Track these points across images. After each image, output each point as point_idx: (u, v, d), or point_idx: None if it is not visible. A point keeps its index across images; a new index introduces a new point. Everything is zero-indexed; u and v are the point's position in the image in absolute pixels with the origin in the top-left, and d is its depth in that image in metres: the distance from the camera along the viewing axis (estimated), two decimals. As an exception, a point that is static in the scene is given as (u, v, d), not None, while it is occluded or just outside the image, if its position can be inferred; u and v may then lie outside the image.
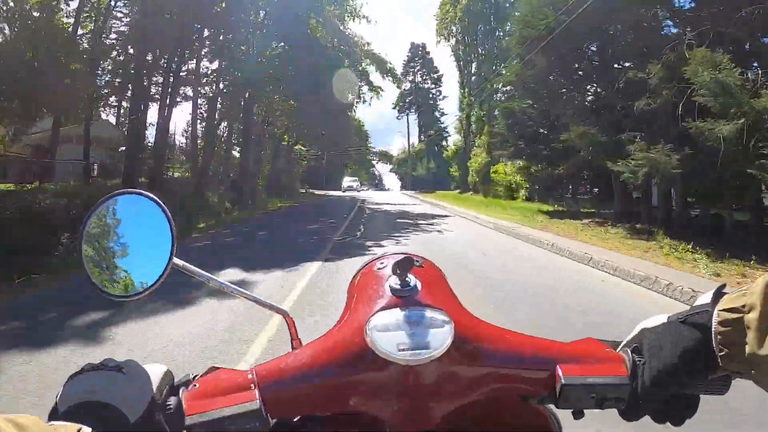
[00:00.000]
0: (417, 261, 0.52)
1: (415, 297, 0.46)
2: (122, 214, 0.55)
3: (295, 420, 0.49)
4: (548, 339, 0.47)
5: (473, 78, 30.67)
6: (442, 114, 58.63)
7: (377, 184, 78.52)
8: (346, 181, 43.37)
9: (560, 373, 0.43)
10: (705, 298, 0.42)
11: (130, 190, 0.55)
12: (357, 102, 24.61)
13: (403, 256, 0.47)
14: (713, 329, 0.40)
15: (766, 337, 0.36)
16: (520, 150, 13.67)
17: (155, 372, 0.44)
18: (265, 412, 0.42)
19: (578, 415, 0.46)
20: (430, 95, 58.49)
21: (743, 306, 0.38)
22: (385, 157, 64.05)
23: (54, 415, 0.39)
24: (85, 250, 0.53)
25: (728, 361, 0.39)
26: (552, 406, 0.47)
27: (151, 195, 0.55)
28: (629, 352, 0.45)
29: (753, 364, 0.37)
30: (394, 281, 0.48)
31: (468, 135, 30.85)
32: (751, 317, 0.37)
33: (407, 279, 0.48)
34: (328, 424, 0.49)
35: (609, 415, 0.49)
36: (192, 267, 0.55)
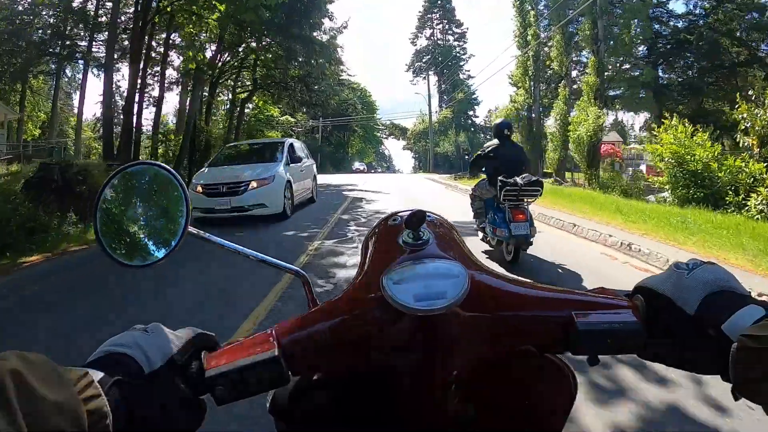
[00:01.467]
0: (429, 215, 0.52)
1: (429, 250, 0.47)
2: (136, 185, 0.56)
3: (314, 378, 0.50)
4: (562, 287, 0.48)
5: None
6: (469, 77, 46.18)
7: (388, 166, 68.65)
8: (254, 172, 7.39)
9: (576, 319, 0.44)
10: (748, 314, 0.38)
11: (142, 161, 0.56)
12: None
13: (415, 210, 0.48)
14: (731, 354, 0.36)
15: None
16: None
17: (181, 336, 0.45)
18: (285, 364, 0.43)
19: (593, 361, 0.45)
20: (453, 54, 46.18)
21: (767, 337, 0.35)
22: (397, 130, 51.91)
23: None
24: (100, 221, 0.54)
25: (741, 389, 0.36)
26: (567, 361, 0.48)
27: (164, 165, 0.55)
28: (641, 299, 0.45)
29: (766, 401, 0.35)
30: (408, 235, 0.48)
31: (537, 85, 19.10)
32: None
33: (420, 232, 0.48)
34: (348, 381, 0.50)
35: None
36: (205, 234, 0.57)
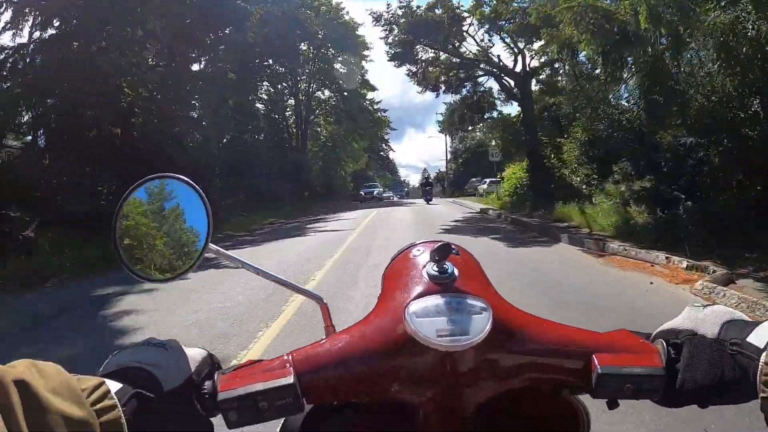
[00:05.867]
0: (454, 248, 0.51)
1: (453, 284, 0.47)
2: (157, 198, 0.55)
3: (328, 407, 0.50)
4: (584, 329, 0.47)
5: None
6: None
7: (397, 186, 48.97)
8: None
9: (596, 362, 0.43)
10: (766, 329, 0.39)
11: (165, 174, 0.55)
12: None
13: (441, 242, 0.48)
14: (759, 370, 0.37)
15: None
16: None
17: (196, 355, 0.45)
18: (300, 392, 0.42)
19: (613, 404, 0.45)
20: None
21: None
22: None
23: None
24: (120, 233, 0.53)
25: None
26: (582, 399, 0.48)
27: (186, 178, 0.54)
28: (664, 344, 0.44)
29: None
30: (432, 268, 0.48)
31: None
32: None
33: (445, 266, 0.48)
34: (364, 410, 0.50)
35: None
36: (226, 252, 0.55)
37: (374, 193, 28.92)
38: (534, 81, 15.86)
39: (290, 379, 0.42)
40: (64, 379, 0.32)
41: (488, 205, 17.03)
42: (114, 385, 0.36)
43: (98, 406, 0.33)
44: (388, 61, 16.85)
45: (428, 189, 23.23)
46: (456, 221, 11.88)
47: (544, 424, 0.51)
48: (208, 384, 0.43)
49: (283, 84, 25.28)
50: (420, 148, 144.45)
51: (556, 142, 12.63)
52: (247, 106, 19.04)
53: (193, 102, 15.07)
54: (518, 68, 15.44)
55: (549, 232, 8.38)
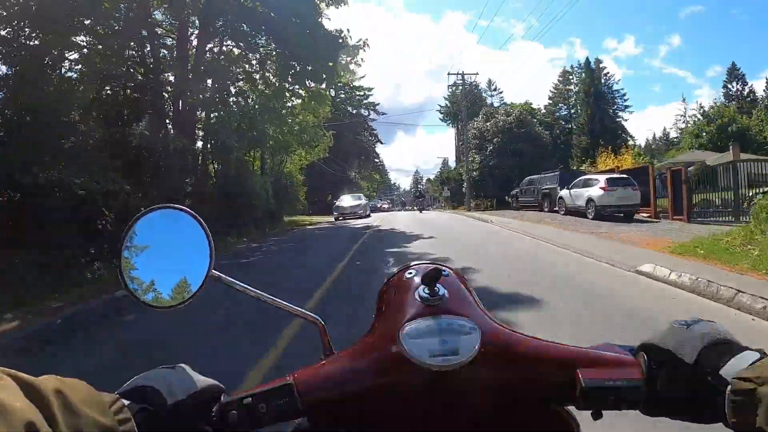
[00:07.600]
0: (444, 271, 0.53)
1: (444, 306, 0.49)
2: (160, 228, 0.57)
3: (327, 425, 0.51)
4: (569, 345, 0.49)
5: None
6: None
7: (387, 191, 47.96)
8: None
9: (581, 376, 0.45)
10: (743, 358, 0.41)
11: (168, 204, 0.57)
12: None
13: (432, 266, 0.51)
14: (726, 396, 0.39)
15: None
16: None
17: (204, 380, 0.49)
18: (297, 392, 0.46)
19: (597, 415, 0.47)
20: None
21: (758, 377, 0.37)
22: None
23: None
24: (125, 263, 0.55)
25: (739, 429, 0.39)
26: (572, 408, 0.49)
27: (188, 209, 0.56)
28: (645, 356, 0.46)
29: None
30: (424, 291, 0.50)
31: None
32: (764, 391, 0.36)
33: (436, 288, 0.50)
34: (360, 425, 0.51)
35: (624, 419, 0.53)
36: (228, 278, 0.57)
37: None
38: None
39: (289, 381, 0.46)
40: (90, 392, 0.35)
41: None
42: (126, 402, 0.40)
43: (117, 417, 0.37)
44: None
45: (420, 200, 29.83)
46: None
47: None
48: (216, 406, 0.47)
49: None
50: (415, 151, 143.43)
51: None
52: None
53: None
54: None
55: None
